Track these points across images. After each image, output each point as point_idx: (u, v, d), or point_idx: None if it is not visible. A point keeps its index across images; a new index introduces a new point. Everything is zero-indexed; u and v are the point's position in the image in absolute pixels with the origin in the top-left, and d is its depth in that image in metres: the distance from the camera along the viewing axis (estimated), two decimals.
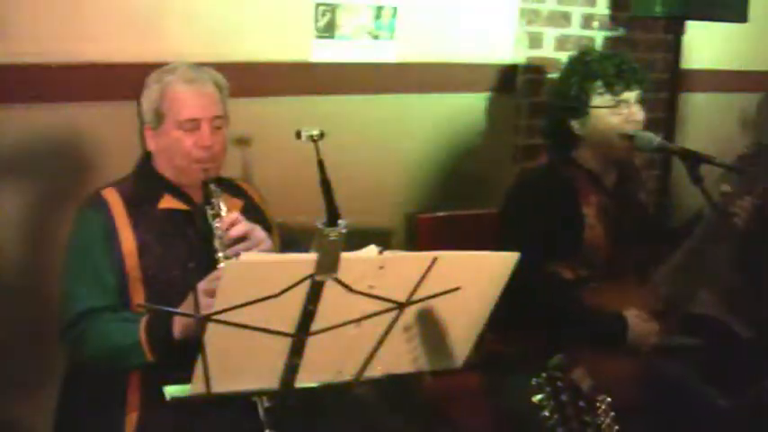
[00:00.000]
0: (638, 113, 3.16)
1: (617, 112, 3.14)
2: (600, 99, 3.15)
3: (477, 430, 3.21)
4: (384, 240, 3.61)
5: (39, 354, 3.04)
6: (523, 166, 4.04)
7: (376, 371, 2.23)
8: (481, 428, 3.19)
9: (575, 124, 3.20)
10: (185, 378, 2.10)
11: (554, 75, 3.89)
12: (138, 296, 2.62)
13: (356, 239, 2.03)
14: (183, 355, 2.25)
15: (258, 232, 2.63)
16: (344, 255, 1.96)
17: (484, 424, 3.17)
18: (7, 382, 3.06)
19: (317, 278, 1.96)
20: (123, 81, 3.00)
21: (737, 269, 4.02)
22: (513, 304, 2.30)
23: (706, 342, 3.58)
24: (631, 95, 3.15)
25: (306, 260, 1.95)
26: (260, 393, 2.35)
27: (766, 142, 3.15)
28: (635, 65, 3.21)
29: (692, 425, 3.04)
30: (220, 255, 2.55)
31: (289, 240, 2.95)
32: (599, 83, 3.14)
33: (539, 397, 1.94)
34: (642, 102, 3.20)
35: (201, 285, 2.35)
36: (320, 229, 1.92)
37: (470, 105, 3.99)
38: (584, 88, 3.17)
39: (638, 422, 2.51)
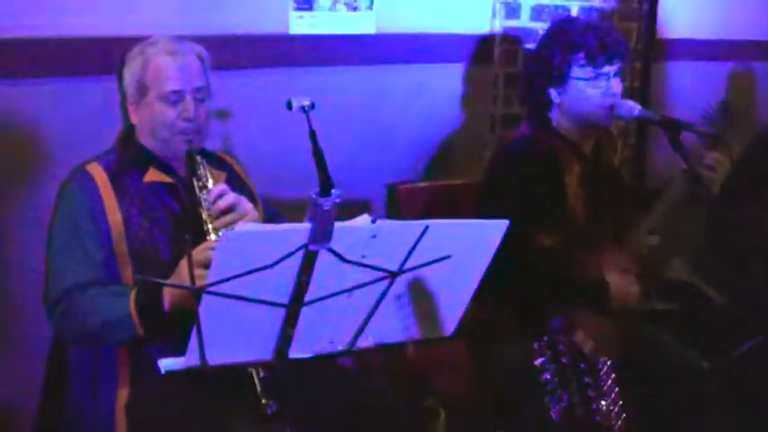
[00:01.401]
0: (617, 86, 3.18)
1: (596, 84, 3.16)
2: (581, 71, 3.16)
3: (463, 399, 3.23)
4: (365, 211, 3.61)
5: (13, 332, 3.04)
6: (502, 135, 4.05)
7: (368, 341, 2.24)
8: (466, 397, 3.21)
9: (553, 92, 3.21)
10: (176, 351, 2.10)
11: (531, 45, 3.89)
12: (126, 269, 2.62)
13: (338, 210, 2.04)
14: (175, 327, 2.26)
15: (245, 203, 2.64)
16: (338, 224, 1.97)
17: (469, 392, 3.19)
18: None
19: (311, 248, 1.96)
20: (98, 55, 3.00)
21: (708, 234, 4.06)
22: (497, 272, 2.31)
23: (680, 307, 3.62)
24: (612, 69, 3.16)
25: (300, 230, 1.95)
26: (254, 365, 2.36)
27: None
28: (618, 38, 3.21)
29: (674, 386, 3.07)
30: (209, 226, 2.55)
31: (270, 213, 2.96)
32: (581, 54, 3.15)
33: (540, 360, 1.96)
34: (621, 73, 3.21)
35: (193, 255, 2.34)
36: (314, 198, 1.92)
37: (448, 76, 3.99)
38: (566, 58, 3.17)
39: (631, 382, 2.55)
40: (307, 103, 2.44)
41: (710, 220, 3.97)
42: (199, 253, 2.38)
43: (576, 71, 3.15)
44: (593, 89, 3.15)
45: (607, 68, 3.14)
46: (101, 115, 3.03)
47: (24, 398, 2.94)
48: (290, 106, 2.45)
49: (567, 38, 3.19)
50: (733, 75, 5.14)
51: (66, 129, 3.06)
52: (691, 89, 4.89)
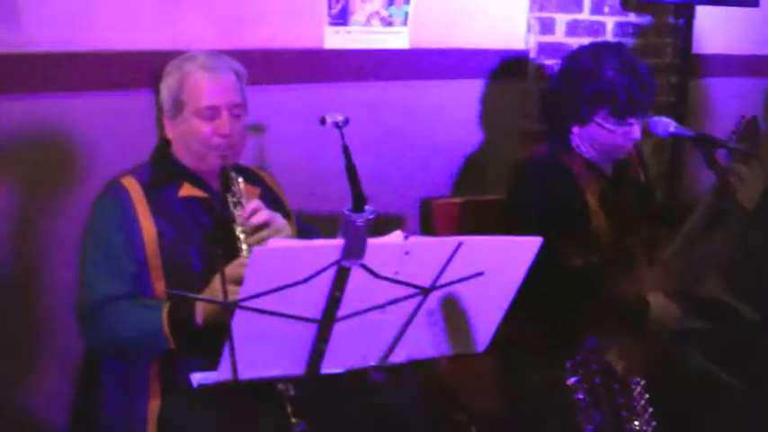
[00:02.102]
0: (637, 133, 3.17)
1: (617, 133, 3.16)
2: (604, 120, 3.16)
3: (493, 415, 3.21)
4: (400, 227, 3.61)
5: (45, 344, 3.05)
6: (520, 155, 4.04)
7: (400, 356, 2.24)
8: (497, 414, 3.19)
9: (574, 128, 3.22)
10: (207, 365, 2.11)
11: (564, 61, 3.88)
12: (158, 283, 2.63)
13: (372, 225, 2.04)
14: (206, 341, 2.26)
15: (279, 220, 2.64)
16: (371, 240, 1.97)
17: (499, 408, 3.17)
18: (16, 373, 3.07)
19: (344, 264, 1.97)
20: (136, 69, 3.02)
21: (740, 250, 4.02)
22: (530, 289, 2.31)
23: (715, 325, 3.59)
24: (636, 119, 3.16)
25: (332, 246, 1.95)
26: (284, 383, 2.36)
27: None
28: (648, 92, 3.17)
29: (706, 406, 3.04)
30: (243, 242, 2.56)
31: (306, 228, 2.96)
32: (608, 108, 3.14)
33: (572, 380, 1.95)
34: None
35: (227, 272, 2.35)
36: (347, 214, 1.92)
37: (482, 91, 3.98)
38: (592, 107, 3.16)
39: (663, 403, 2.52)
40: (340, 118, 2.44)
41: (743, 237, 3.93)
42: (232, 269, 2.38)
43: (600, 118, 3.15)
44: (613, 137, 3.16)
45: (631, 120, 3.14)
46: (140, 129, 3.05)
47: (56, 411, 2.95)
48: (323, 122, 2.46)
49: (595, 87, 3.16)
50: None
51: (105, 142, 3.07)
52: (727, 105, 4.85)
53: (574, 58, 3.33)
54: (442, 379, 3.32)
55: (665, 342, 3.10)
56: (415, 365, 3.12)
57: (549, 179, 3.21)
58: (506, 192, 3.38)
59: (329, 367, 2.17)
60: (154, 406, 2.60)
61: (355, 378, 2.34)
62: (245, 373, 2.07)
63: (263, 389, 2.34)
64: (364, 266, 1.99)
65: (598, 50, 3.28)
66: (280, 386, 2.40)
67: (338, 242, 1.94)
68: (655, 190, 3.72)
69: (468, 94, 3.95)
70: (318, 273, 1.95)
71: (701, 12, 4.30)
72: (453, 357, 2.38)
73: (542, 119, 3.62)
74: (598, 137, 3.20)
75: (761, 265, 4.01)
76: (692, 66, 4.40)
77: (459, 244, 2.05)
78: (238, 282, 2.04)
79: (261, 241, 2.52)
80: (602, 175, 3.25)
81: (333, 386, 2.42)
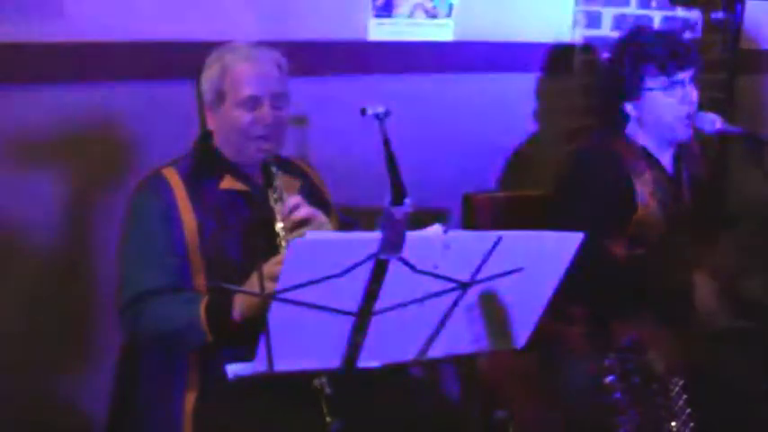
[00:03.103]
0: (693, 93, 3.13)
1: (671, 93, 3.11)
2: (653, 81, 3.12)
3: (534, 412, 3.19)
4: (443, 221, 3.60)
5: (86, 335, 3.07)
6: (572, 147, 4.01)
7: (438, 351, 2.22)
8: (538, 410, 3.17)
9: (628, 106, 3.18)
10: (244, 358, 2.10)
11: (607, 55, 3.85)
12: (199, 276, 2.62)
13: (415, 220, 2.02)
14: (243, 335, 2.26)
15: (320, 217, 2.61)
16: (409, 234, 1.95)
17: (541, 405, 3.15)
18: (56, 364, 3.09)
19: (382, 257, 1.95)
20: (179, 59, 3.03)
21: None
22: (570, 284, 2.28)
23: (756, 327, 3.54)
24: (686, 75, 3.12)
25: (371, 239, 1.94)
26: (321, 380, 2.35)
27: None
28: (688, 44, 3.16)
29: (744, 408, 3.00)
30: (282, 239, 2.54)
31: (347, 221, 2.95)
32: (652, 64, 3.10)
33: (610, 378, 1.92)
34: (696, 81, 3.16)
35: (265, 268, 2.33)
36: (386, 207, 1.91)
37: (526, 85, 3.96)
38: (637, 70, 3.14)
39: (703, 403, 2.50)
40: (381, 110, 2.43)
41: None
42: (270, 266, 2.36)
43: (649, 82, 3.12)
44: (668, 98, 3.11)
45: (681, 75, 3.11)
46: (184, 119, 3.06)
47: (98, 403, 2.97)
48: (363, 113, 2.44)
49: (635, 49, 3.16)
50: None
51: (149, 132, 3.10)
52: None
53: (616, 41, 3.36)
54: (482, 376, 3.30)
55: (710, 341, 3.06)
56: (454, 362, 3.11)
57: (594, 168, 3.19)
58: (554, 182, 3.35)
59: (366, 361, 2.15)
60: (190, 399, 2.60)
61: (393, 376, 2.32)
62: (281, 365, 2.06)
63: (300, 385, 2.33)
64: (403, 260, 1.97)
65: (637, 28, 3.36)
66: (315, 382, 2.39)
67: (377, 235, 1.92)
68: (718, 188, 3.68)
69: (513, 87, 3.93)
70: (356, 266, 1.93)
71: (751, 6, 4.23)
72: (493, 354, 2.36)
73: (593, 110, 3.58)
74: (654, 109, 3.16)
75: None
76: (740, 61, 4.34)
77: (500, 238, 2.03)
78: (275, 279, 2.02)
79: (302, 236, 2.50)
80: (659, 165, 3.21)
81: (370, 384, 2.41)
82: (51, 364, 3.07)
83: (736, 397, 2.97)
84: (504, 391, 3.31)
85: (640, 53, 3.15)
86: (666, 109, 3.13)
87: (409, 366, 2.44)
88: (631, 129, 3.22)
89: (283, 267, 1.95)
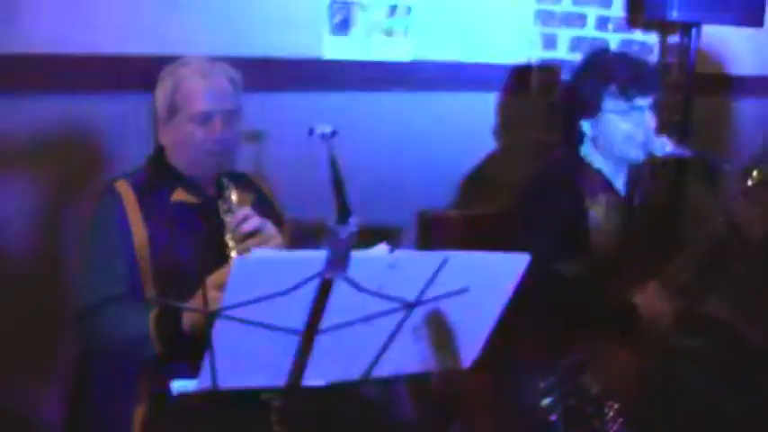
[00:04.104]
0: (650, 120, 3.14)
1: (628, 118, 3.13)
2: (613, 103, 3.13)
3: (488, 430, 3.20)
4: (397, 239, 3.61)
5: (53, 342, 3.05)
6: (535, 165, 4.03)
7: (384, 370, 2.22)
8: (491, 429, 3.18)
9: (586, 124, 3.19)
10: (194, 372, 2.09)
11: (568, 76, 3.87)
12: (149, 287, 2.63)
13: (368, 237, 2.02)
14: (194, 347, 2.25)
15: (269, 228, 2.63)
16: (354, 253, 1.95)
17: (493, 424, 3.15)
18: (20, 370, 3.08)
19: (327, 276, 1.95)
20: (135, 73, 3.02)
21: (749, 274, 4.00)
22: (520, 303, 2.29)
23: (716, 345, 3.57)
24: (644, 102, 3.13)
25: (315, 258, 1.93)
26: (267, 391, 2.34)
27: None
28: (652, 70, 3.18)
29: (702, 429, 3.02)
30: (232, 249, 2.55)
31: (299, 236, 2.95)
32: (613, 86, 3.12)
33: (547, 401, 1.93)
34: (655, 107, 3.18)
35: (212, 278, 2.35)
36: (330, 227, 1.91)
37: (484, 105, 3.98)
38: (598, 90, 3.15)
39: (645, 425, 2.50)
40: (328, 130, 2.43)
41: (752, 264, 3.90)
42: (218, 276, 2.36)
43: (608, 103, 3.13)
44: (624, 122, 3.12)
45: (640, 101, 3.11)
46: (140, 132, 3.04)
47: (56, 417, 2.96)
48: (311, 133, 2.44)
49: (599, 69, 3.17)
50: None
51: (105, 144, 3.12)
52: (732, 125, 4.83)
53: (580, 61, 3.37)
54: (435, 394, 3.30)
55: (661, 359, 3.08)
56: (407, 380, 3.11)
57: (549, 191, 3.19)
58: (510, 201, 3.36)
59: (311, 379, 2.14)
60: (140, 412, 2.60)
61: (345, 391, 2.32)
62: (226, 382, 2.05)
63: (250, 399, 2.32)
64: (348, 279, 1.97)
65: (602, 49, 3.51)
66: (263, 396, 2.38)
67: (321, 254, 1.92)
68: (663, 211, 3.70)
69: (469, 107, 3.94)
70: (300, 284, 1.93)
71: (707, 30, 4.28)
72: (446, 372, 2.36)
73: (551, 128, 3.60)
74: (609, 130, 3.16)
75: None
76: (697, 85, 4.38)
77: (445, 259, 2.03)
78: (221, 288, 2.02)
79: (249, 249, 2.51)
80: (612, 188, 3.23)
81: (321, 398, 2.41)
82: (15, 372, 3.07)
83: (695, 415, 2.99)
84: (457, 408, 3.31)
85: (603, 73, 3.16)
86: (621, 132, 3.14)
87: (359, 385, 2.43)
88: (587, 148, 3.24)
89: (227, 285, 1.95)
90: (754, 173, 2.91)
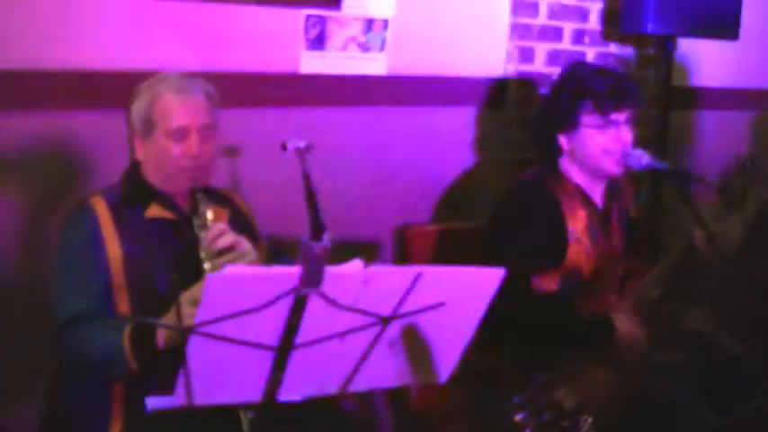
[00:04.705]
0: (627, 134, 3.14)
1: (605, 131, 3.13)
2: (589, 118, 3.14)
3: None
4: (373, 254, 3.61)
5: (33, 358, 3.03)
6: (512, 180, 4.04)
7: (360, 385, 2.22)
8: None
9: (562, 139, 3.20)
10: (168, 389, 2.09)
11: (545, 90, 3.89)
12: (123, 304, 2.62)
13: (345, 252, 2.02)
14: (168, 364, 2.24)
15: (244, 244, 2.63)
16: (329, 269, 1.95)
17: None
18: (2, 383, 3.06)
19: (301, 292, 1.95)
20: (111, 89, 3.02)
21: (727, 287, 4.01)
22: (496, 318, 2.29)
23: (695, 358, 3.57)
24: (621, 116, 3.14)
25: (289, 273, 1.93)
26: (242, 406, 2.34)
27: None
28: (629, 84, 3.18)
29: None
30: (206, 265, 2.55)
31: (276, 252, 2.95)
32: (589, 101, 3.13)
33: (520, 416, 1.93)
34: (632, 121, 3.18)
35: (187, 295, 2.35)
36: (304, 242, 1.91)
37: (461, 119, 3.99)
38: (575, 104, 3.15)
39: None
40: (302, 145, 2.43)
41: (728, 276, 3.92)
42: (192, 292, 2.36)
43: (585, 117, 3.14)
44: (601, 137, 3.13)
45: (616, 116, 3.12)
46: (117, 148, 3.03)
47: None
48: (284, 148, 2.44)
49: (576, 83, 3.18)
50: (755, 124, 5.11)
51: (96, 158, 3.12)
52: (709, 138, 4.86)
53: (558, 75, 3.38)
54: (414, 409, 3.30)
55: (639, 373, 3.08)
56: (386, 395, 3.11)
57: (527, 207, 3.20)
58: (488, 216, 3.37)
59: (287, 395, 2.14)
60: (115, 429, 2.58)
61: (323, 405, 2.32)
62: (201, 399, 2.05)
63: (224, 414, 2.32)
64: (322, 294, 1.97)
65: (578, 63, 3.41)
66: (240, 412, 2.38)
67: (295, 270, 1.92)
68: (642, 224, 3.71)
69: (446, 121, 3.95)
70: (274, 300, 1.93)
71: (683, 44, 4.31)
72: (425, 387, 2.36)
73: (529, 142, 3.61)
74: (586, 144, 3.17)
75: (748, 302, 4.00)
76: (672, 98, 4.40)
77: (419, 274, 2.03)
78: (196, 304, 2.02)
79: (223, 265, 2.50)
80: (591, 202, 3.24)
81: (298, 412, 2.40)
82: None
83: (675, 428, 3.00)
84: (436, 423, 3.31)
85: (579, 88, 3.17)
86: (598, 147, 3.14)
87: (337, 399, 2.43)
88: (564, 162, 3.24)
89: (202, 301, 1.94)
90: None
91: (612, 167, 3.15)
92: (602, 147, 3.13)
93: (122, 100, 2.82)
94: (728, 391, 3.28)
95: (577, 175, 3.23)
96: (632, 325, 3.07)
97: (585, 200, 3.22)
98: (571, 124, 3.17)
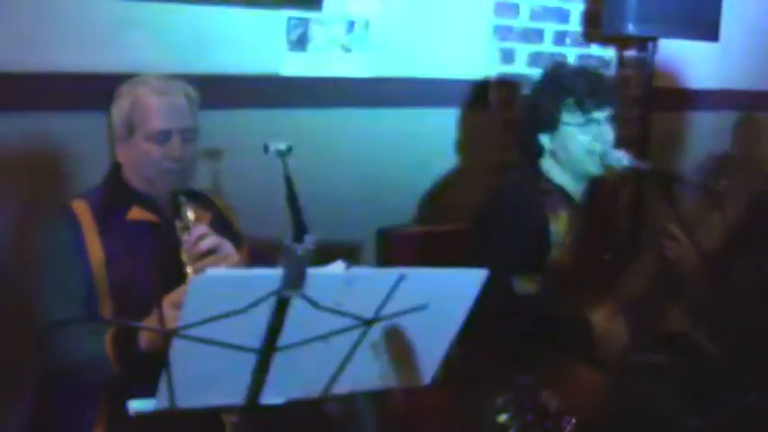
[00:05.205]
0: (608, 133, 3.17)
1: (586, 130, 3.15)
2: (570, 116, 3.15)
3: None
4: (356, 256, 3.60)
5: (18, 364, 3.02)
6: (495, 181, 4.04)
7: (343, 387, 2.21)
8: None
9: (544, 138, 3.21)
10: (152, 392, 2.08)
11: (527, 91, 3.88)
12: (106, 307, 2.61)
13: (327, 255, 2.02)
14: (151, 368, 2.23)
15: (227, 246, 2.62)
16: (311, 270, 1.94)
17: None
18: None
19: (283, 294, 1.94)
20: (90, 91, 3.00)
21: (707, 285, 4.02)
22: (478, 320, 2.28)
23: (676, 359, 3.58)
24: (602, 115, 3.15)
25: (272, 276, 1.93)
26: (225, 409, 2.33)
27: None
28: (608, 83, 3.21)
29: None
30: (188, 268, 2.54)
31: (258, 254, 2.94)
32: (570, 99, 3.14)
33: (504, 417, 1.93)
34: (613, 120, 3.20)
35: (170, 298, 2.34)
36: (287, 244, 1.90)
37: (443, 120, 3.99)
38: (556, 103, 3.17)
39: None
40: (283, 147, 2.42)
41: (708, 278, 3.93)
42: (175, 295, 2.35)
43: (566, 116, 3.15)
44: (583, 135, 3.14)
45: (597, 114, 3.14)
46: (97, 151, 3.01)
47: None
48: (266, 150, 2.43)
49: (557, 83, 3.20)
50: (736, 125, 5.13)
51: (65, 162, 3.09)
52: (690, 139, 4.87)
53: (539, 76, 3.39)
54: (397, 411, 3.29)
55: (624, 376, 3.09)
56: (370, 397, 3.10)
57: (510, 208, 3.21)
58: (471, 218, 3.37)
59: (269, 398, 2.13)
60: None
61: (306, 408, 2.31)
62: (184, 402, 2.04)
63: (208, 417, 2.31)
64: (305, 296, 1.96)
65: (559, 64, 3.49)
66: (222, 415, 2.37)
67: (277, 272, 1.92)
68: (623, 223, 3.72)
69: (429, 123, 3.95)
70: (257, 302, 1.92)
71: (664, 45, 4.32)
72: (408, 389, 2.36)
73: (511, 143, 3.62)
74: (567, 143, 3.19)
75: (728, 303, 4.01)
76: (654, 99, 4.42)
77: (402, 275, 2.03)
78: (179, 307, 2.02)
79: (205, 268, 2.49)
80: (573, 203, 3.24)
81: (281, 415, 2.39)
82: None
83: (656, 429, 3.00)
84: (419, 425, 3.31)
85: (560, 87, 3.19)
86: (579, 145, 3.16)
87: (321, 402, 2.42)
88: (546, 163, 3.25)
89: (184, 304, 1.94)
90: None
91: (594, 167, 3.17)
92: (583, 146, 3.14)
93: (102, 102, 2.81)
94: (709, 393, 3.29)
95: (559, 176, 3.24)
96: (611, 324, 3.08)
97: (567, 200, 3.23)
98: (553, 124, 3.19)
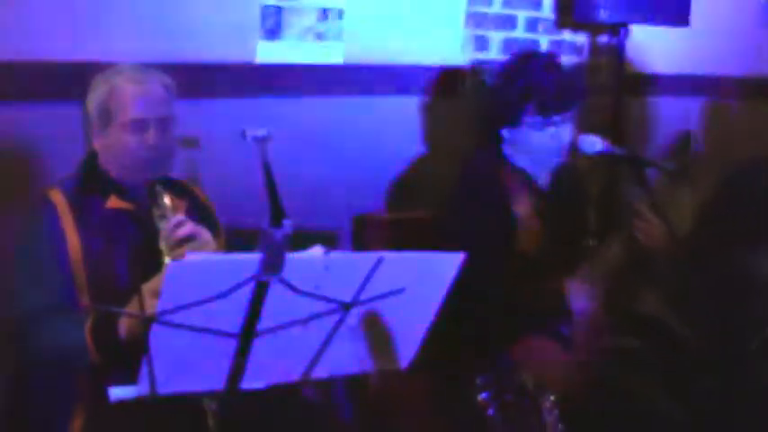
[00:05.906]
0: (566, 134, 3.19)
1: (544, 131, 3.17)
2: (530, 118, 3.17)
3: (425, 429, 3.21)
4: (331, 242, 3.61)
5: None
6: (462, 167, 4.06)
7: (322, 371, 2.23)
8: (429, 429, 3.19)
9: (505, 131, 3.23)
10: (132, 379, 2.09)
11: (492, 79, 3.90)
12: (84, 296, 2.61)
13: (305, 241, 2.04)
14: (131, 355, 2.24)
15: (204, 234, 2.63)
16: (290, 255, 1.96)
17: (432, 425, 3.17)
18: None
19: (262, 278, 1.96)
20: (65, 80, 3.00)
21: (679, 268, 4.05)
22: (454, 303, 2.30)
23: (649, 343, 3.61)
24: (560, 117, 3.18)
25: (250, 260, 1.94)
26: (206, 395, 2.34)
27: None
28: (575, 82, 3.22)
29: (637, 425, 3.06)
30: (166, 257, 2.54)
31: (235, 242, 2.94)
32: (533, 104, 3.16)
33: (483, 395, 1.95)
34: (577, 114, 3.22)
35: (148, 286, 2.36)
36: (265, 229, 1.92)
37: (417, 107, 4.00)
38: (520, 104, 3.18)
39: (579, 417, 2.53)
40: (261, 133, 2.43)
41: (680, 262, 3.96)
42: (153, 283, 2.37)
43: (527, 118, 3.17)
44: (541, 136, 3.17)
45: (557, 117, 3.16)
46: (72, 140, 3.02)
47: None
48: (243, 136, 2.44)
49: (523, 82, 3.19)
50: (707, 110, 5.16)
51: (38, 152, 3.08)
52: (663, 124, 4.90)
53: (506, 64, 3.38)
54: (374, 396, 3.31)
55: (598, 361, 3.11)
56: (348, 383, 3.12)
57: (473, 191, 3.23)
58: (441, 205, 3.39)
59: (250, 382, 2.15)
60: (78, 421, 2.58)
61: (284, 394, 2.33)
62: (165, 388, 2.05)
63: (189, 404, 2.32)
64: (283, 281, 1.98)
65: (528, 55, 3.38)
66: (204, 401, 2.39)
67: (256, 256, 1.93)
68: (590, 206, 3.74)
69: (403, 109, 3.96)
70: (236, 287, 1.94)
71: (636, 31, 4.35)
72: (385, 373, 2.38)
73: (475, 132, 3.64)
74: (528, 140, 3.21)
75: (700, 288, 4.04)
76: (626, 85, 4.45)
77: (380, 259, 2.05)
78: (157, 295, 2.03)
79: (183, 256, 2.50)
80: (536, 186, 3.27)
81: (260, 401, 2.41)
82: None
83: (630, 411, 3.03)
84: (396, 410, 3.33)
85: (525, 85, 3.19)
86: (536, 144, 3.20)
87: (300, 386, 2.44)
88: (508, 150, 3.28)
89: (162, 289, 1.95)
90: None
91: (551, 161, 3.21)
92: (539, 145, 3.18)
93: (77, 91, 2.81)
94: (682, 379, 3.32)
95: (521, 160, 3.26)
96: (586, 291, 3.09)
97: (531, 184, 3.26)
98: (514, 120, 3.20)
